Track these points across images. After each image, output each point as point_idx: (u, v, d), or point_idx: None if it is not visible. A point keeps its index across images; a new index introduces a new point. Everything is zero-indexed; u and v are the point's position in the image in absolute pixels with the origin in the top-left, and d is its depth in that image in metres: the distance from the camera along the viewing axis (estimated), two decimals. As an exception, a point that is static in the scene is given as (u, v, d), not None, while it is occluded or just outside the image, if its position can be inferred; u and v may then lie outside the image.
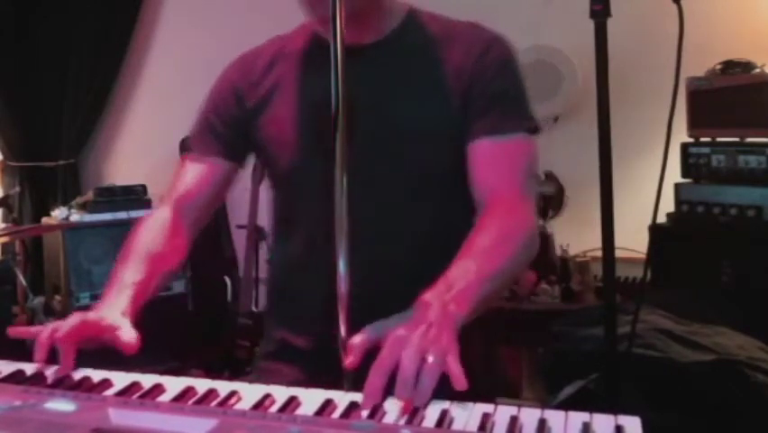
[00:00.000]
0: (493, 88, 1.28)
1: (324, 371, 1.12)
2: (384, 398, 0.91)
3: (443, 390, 0.91)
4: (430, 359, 0.91)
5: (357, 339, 0.99)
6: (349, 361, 0.97)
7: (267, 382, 1.02)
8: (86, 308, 1.20)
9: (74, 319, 1.11)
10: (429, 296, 1.03)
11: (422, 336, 0.94)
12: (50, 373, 1.05)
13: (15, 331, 1.13)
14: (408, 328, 0.96)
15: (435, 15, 1.36)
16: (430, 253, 1.29)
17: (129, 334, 1.10)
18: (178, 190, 1.41)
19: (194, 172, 1.41)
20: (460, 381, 0.90)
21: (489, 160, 1.27)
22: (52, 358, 1.09)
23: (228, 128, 1.40)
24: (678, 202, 2.97)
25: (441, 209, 1.31)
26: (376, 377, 0.92)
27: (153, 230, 1.36)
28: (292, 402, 0.93)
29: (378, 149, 1.27)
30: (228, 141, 1.40)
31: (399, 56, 1.31)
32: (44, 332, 1.08)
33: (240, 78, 1.40)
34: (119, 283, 1.23)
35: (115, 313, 1.16)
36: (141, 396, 0.96)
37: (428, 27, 1.33)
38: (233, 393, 0.96)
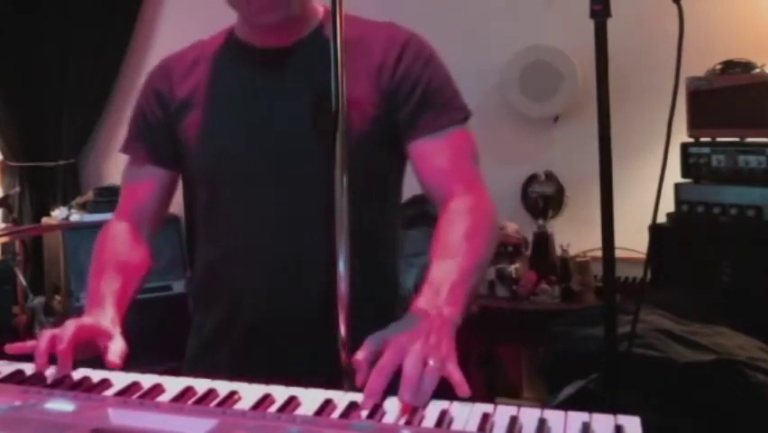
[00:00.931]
0: (418, 89, 1.29)
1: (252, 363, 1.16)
2: (384, 398, 0.91)
3: (444, 394, 0.92)
4: (431, 363, 0.93)
5: (361, 355, 0.99)
6: (360, 380, 0.97)
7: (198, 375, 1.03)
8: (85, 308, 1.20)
9: (71, 327, 1.10)
10: (422, 303, 1.05)
11: (423, 343, 0.96)
12: (50, 373, 1.05)
13: (13, 348, 1.12)
14: (410, 336, 0.98)
15: (352, 17, 1.34)
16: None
17: (116, 351, 1.10)
18: (126, 201, 1.44)
19: (136, 181, 1.43)
20: (462, 387, 0.91)
21: (435, 158, 1.29)
22: (52, 359, 1.09)
23: (155, 133, 1.41)
24: (678, 202, 2.97)
25: (364, 211, 1.28)
26: (377, 379, 0.93)
27: (119, 242, 1.38)
28: (292, 402, 0.93)
29: (295, 149, 1.29)
30: (157, 146, 1.40)
31: (315, 58, 1.29)
32: (42, 342, 1.08)
33: (161, 82, 1.41)
34: (100, 294, 1.24)
35: (107, 321, 1.17)
36: (141, 396, 0.96)
37: (346, 28, 1.34)
38: (232, 393, 0.96)
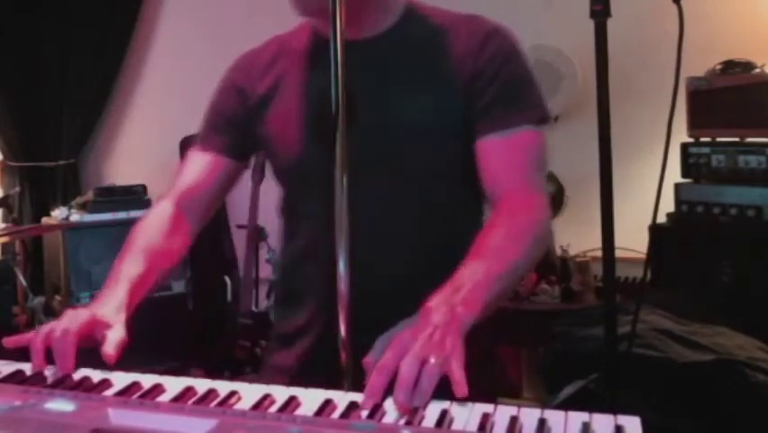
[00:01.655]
0: (496, 83, 1.26)
1: (325, 361, 1.13)
2: (384, 398, 0.91)
3: (444, 394, 0.92)
4: (432, 360, 0.91)
5: (370, 358, 0.99)
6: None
7: (271, 377, 1.02)
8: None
9: (67, 320, 1.10)
10: (437, 299, 1.03)
11: (425, 340, 0.94)
12: (50, 373, 1.05)
13: (10, 341, 1.12)
14: (413, 332, 0.97)
15: (434, 8, 1.35)
16: (431, 250, 1.29)
17: (112, 341, 1.08)
18: (181, 185, 1.40)
19: (198, 168, 1.40)
20: (461, 387, 0.90)
21: (497, 157, 1.25)
22: (51, 359, 1.08)
23: (232, 126, 1.40)
24: (678, 202, 2.97)
25: (442, 205, 1.31)
26: (377, 377, 0.92)
27: (155, 225, 1.35)
28: (292, 402, 0.92)
29: (378, 145, 1.27)
30: (232, 138, 1.40)
31: (399, 50, 1.30)
32: (38, 337, 1.07)
33: (241, 77, 1.40)
34: (118, 277, 1.22)
35: (110, 309, 1.15)
36: (141, 396, 0.96)
37: (427, 20, 1.33)
38: (232, 393, 0.96)
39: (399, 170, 1.28)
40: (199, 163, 1.41)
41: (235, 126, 1.39)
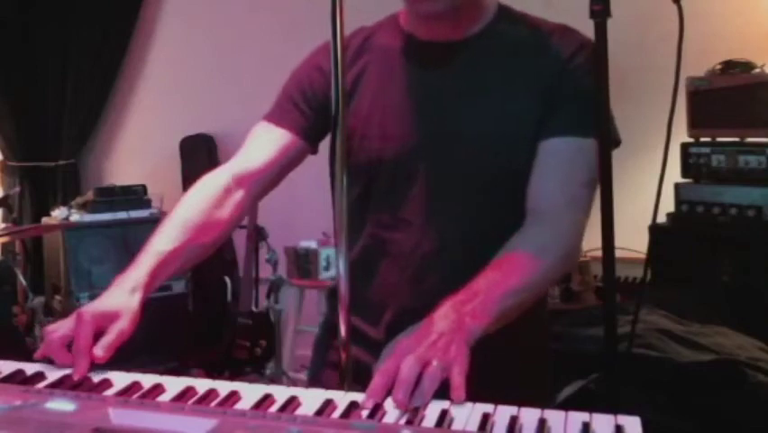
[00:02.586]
0: (577, 90, 1.24)
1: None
2: (384, 398, 0.91)
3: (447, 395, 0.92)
4: (434, 363, 0.92)
5: (379, 364, 0.98)
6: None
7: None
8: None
9: (71, 321, 1.09)
10: (446, 307, 1.03)
11: (429, 345, 0.95)
12: (50, 373, 1.05)
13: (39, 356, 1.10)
14: (417, 338, 0.97)
15: (525, 14, 1.33)
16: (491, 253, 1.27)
17: (104, 344, 1.07)
18: (243, 157, 1.35)
19: (265, 142, 1.35)
20: (458, 391, 0.90)
21: (549, 163, 1.23)
22: (49, 359, 1.09)
23: (309, 107, 1.35)
24: (678, 202, 2.97)
25: (506, 211, 1.27)
26: (379, 379, 0.93)
27: (200, 197, 1.30)
28: (292, 402, 0.93)
29: (460, 146, 1.25)
30: (307, 118, 1.35)
31: (487, 54, 1.28)
32: (55, 347, 1.07)
33: (328, 64, 1.32)
34: (147, 251, 1.20)
35: (125, 291, 1.14)
36: (141, 396, 0.96)
37: (518, 26, 1.31)
38: (233, 393, 0.96)
39: (478, 173, 1.26)
40: (269, 137, 1.35)
41: (312, 108, 1.35)
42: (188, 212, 1.28)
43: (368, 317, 1.32)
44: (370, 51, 1.34)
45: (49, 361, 1.08)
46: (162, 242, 1.22)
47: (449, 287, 1.08)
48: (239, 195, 1.34)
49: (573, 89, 1.24)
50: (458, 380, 0.91)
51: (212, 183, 1.32)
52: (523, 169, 1.26)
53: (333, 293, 1.42)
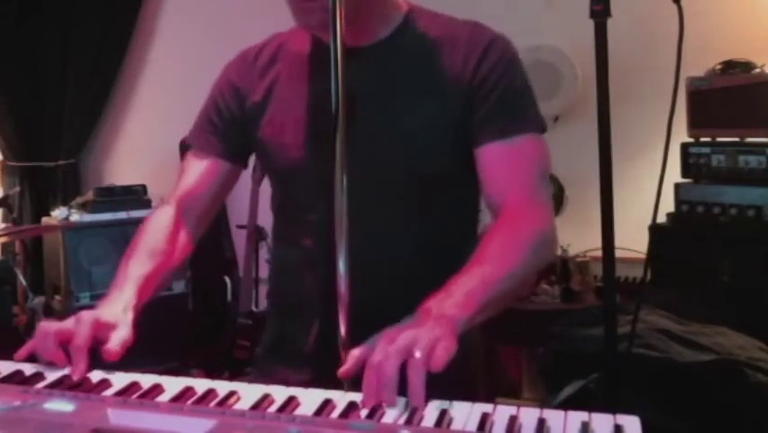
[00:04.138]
0: (497, 91, 1.25)
1: (323, 371, 1.12)
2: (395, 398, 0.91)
3: (446, 394, 0.92)
4: (417, 354, 0.91)
5: (356, 351, 0.98)
6: (343, 370, 0.97)
7: (266, 381, 1.02)
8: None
9: (71, 323, 1.09)
10: (429, 303, 1.03)
11: (410, 336, 0.94)
12: (50, 373, 1.05)
13: (21, 355, 1.11)
14: (402, 329, 0.97)
15: (435, 15, 1.34)
16: (429, 254, 1.29)
17: (117, 339, 1.08)
18: (180, 188, 1.41)
19: (196, 171, 1.40)
20: (438, 361, 0.90)
21: (498, 165, 1.25)
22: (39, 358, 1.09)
23: (229, 127, 1.39)
24: (678, 202, 2.97)
25: (439, 211, 1.30)
26: (371, 376, 0.92)
27: (157, 227, 1.35)
28: (291, 402, 0.93)
29: (375, 151, 1.26)
30: (229, 140, 1.39)
31: (397, 57, 1.29)
32: (50, 344, 1.07)
33: (239, 76, 1.39)
34: (125, 277, 1.22)
35: (118, 309, 1.15)
36: (141, 396, 0.96)
37: (427, 28, 1.32)
38: (232, 393, 0.96)
39: (395, 177, 1.27)
40: (197, 165, 1.40)
41: (231, 127, 1.38)
42: (153, 240, 1.33)
43: (297, 328, 1.35)
44: (283, 59, 1.36)
45: (35, 359, 1.08)
46: (138, 268, 1.25)
47: (378, 294, 1.10)
48: (186, 224, 1.39)
49: (495, 90, 1.25)
50: (440, 352, 0.91)
51: (162, 216, 1.38)
52: (445, 171, 1.27)
53: (273, 298, 1.46)
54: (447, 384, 0.91)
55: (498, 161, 1.25)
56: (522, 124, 1.26)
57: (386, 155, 1.27)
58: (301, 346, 1.35)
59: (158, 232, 1.34)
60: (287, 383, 1.00)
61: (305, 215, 1.34)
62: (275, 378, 1.33)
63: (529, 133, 1.26)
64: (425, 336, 0.93)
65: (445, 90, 1.26)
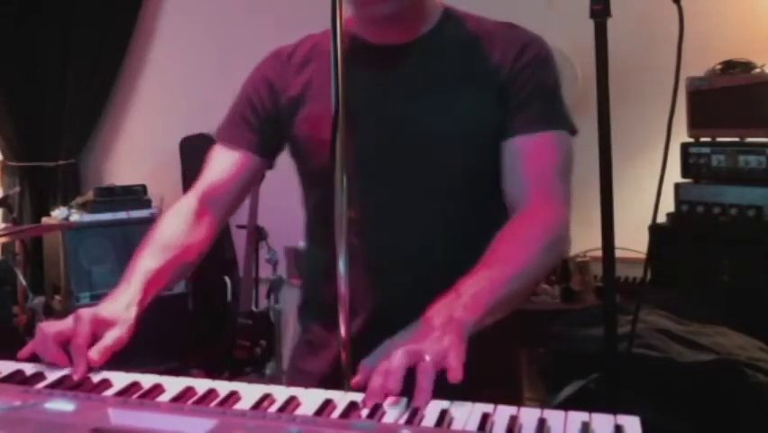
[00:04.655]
0: (529, 87, 1.26)
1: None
2: (384, 398, 0.91)
3: (445, 393, 0.92)
4: (426, 358, 0.92)
5: (367, 361, 0.99)
6: (354, 381, 0.97)
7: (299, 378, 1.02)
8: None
9: (83, 331, 1.08)
10: (437, 306, 1.04)
11: (421, 341, 0.95)
12: (51, 372, 1.05)
13: (23, 356, 1.10)
14: (411, 335, 0.98)
15: (471, 15, 1.35)
16: (460, 252, 1.28)
17: (101, 346, 1.07)
18: (205, 181, 1.38)
19: (223, 164, 1.38)
20: (455, 372, 0.91)
21: (517, 162, 1.25)
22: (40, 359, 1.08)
23: (261, 122, 1.37)
24: (678, 202, 2.97)
25: (472, 208, 1.29)
26: (378, 378, 0.92)
27: (176, 219, 1.34)
28: (292, 402, 0.93)
29: (410, 148, 1.26)
30: (261, 135, 1.37)
31: (438, 53, 1.29)
32: (50, 345, 1.07)
33: (274, 73, 1.37)
34: (134, 271, 1.22)
35: (120, 305, 1.15)
36: (141, 396, 0.96)
37: (464, 27, 1.32)
38: (232, 393, 0.96)
39: (436, 172, 1.27)
40: (225, 160, 1.38)
41: (264, 122, 1.37)
42: (168, 234, 1.31)
43: (336, 326, 1.34)
44: (318, 58, 1.34)
45: (36, 359, 1.08)
46: (149, 261, 1.24)
47: (415, 290, 1.10)
48: (207, 218, 1.37)
49: (527, 86, 1.26)
50: (455, 362, 0.92)
51: (183, 207, 1.36)
52: (483, 167, 1.27)
53: (308, 301, 1.45)
54: (492, 384, 0.92)
55: (516, 158, 1.25)
56: (550, 122, 1.26)
57: (426, 152, 1.26)
58: (339, 345, 1.34)
59: (176, 224, 1.33)
60: (323, 383, 1.01)
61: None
62: (309, 376, 1.34)
63: (556, 131, 1.26)
64: (434, 347, 0.94)
65: (484, 85, 1.27)
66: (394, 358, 0.92)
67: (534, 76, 1.27)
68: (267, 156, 1.40)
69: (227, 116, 1.42)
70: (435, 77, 1.29)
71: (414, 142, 1.26)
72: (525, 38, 1.30)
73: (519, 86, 1.26)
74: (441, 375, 0.92)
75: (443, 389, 0.91)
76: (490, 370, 1.25)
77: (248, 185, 1.41)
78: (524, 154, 1.25)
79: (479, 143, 1.26)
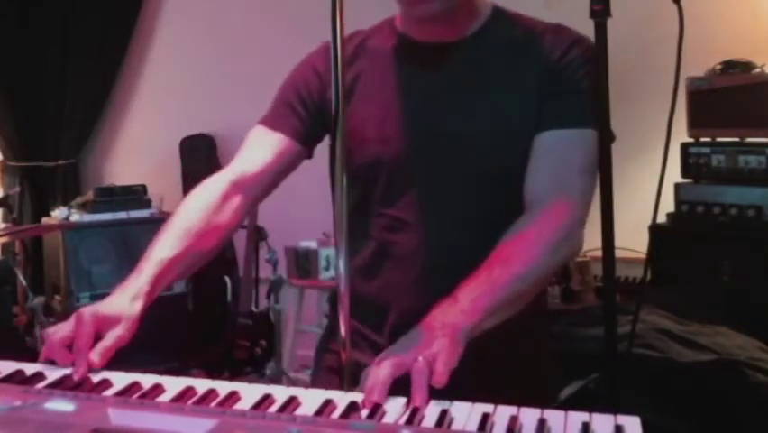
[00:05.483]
0: (569, 84, 1.25)
1: None
2: (385, 398, 0.92)
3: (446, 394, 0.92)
4: (419, 359, 0.94)
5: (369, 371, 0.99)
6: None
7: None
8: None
9: (84, 333, 1.08)
10: (434, 312, 1.04)
11: (414, 347, 0.97)
12: (51, 372, 1.05)
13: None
14: (407, 342, 1.00)
15: (519, 15, 1.35)
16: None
17: (100, 348, 1.07)
18: (242, 160, 1.36)
19: (261, 147, 1.36)
20: (439, 377, 0.93)
21: (545, 154, 1.24)
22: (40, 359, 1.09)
23: (307, 111, 1.36)
24: (678, 202, 2.97)
25: (513, 208, 1.27)
26: (374, 386, 0.94)
27: (199, 204, 1.31)
28: (292, 402, 0.93)
29: (452, 148, 1.26)
30: (303, 122, 1.36)
31: (481, 55, 1.29)
32: (56, 348, 1.07)
33: (324, 65, 1.35)
34: (147, 259, 1.20)
35: (124, 300, 1.14)
36: (141, 396, 0.96)
37: (512, 26, 1.32)
38: (232, 393, 0.96)
39: (480, 170, 1.26)
40: (265, 142, 1.36)
41: (309, 111, 1.35)
42: (188, 219, 1.28)
43: (372, 321, 1.33)
44: (365, 55, 1.35)
45: (52, 363, 1.08)
46: (163, 250, 1.22)
47: (453, 287, 1.09)
48: (237, 201, 1.33)
49: (565, 82, 1.25)
50: (441, 368, 0.93)
51: (210, 189, 1.32)
52: (525, 167, 1.26)
53: (335, 296, 1.42)
54: (523, 384, 0.92)
55: (545, 150, 1.24)
56: (583, 117, 1.24)
57: (469, 151, 1.26)
58: (375, 340, 1.32)
59: (198, 209, 1.30)
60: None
61: (384, 209, 1.31)
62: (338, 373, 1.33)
63: (588, 128, 1.23)
64: (425, 352, 0.96)
65: (527, 88, 1.26)
66: (381, 371, 0.94)
67: (576, 73, 1.26)
68: (308, 145, 1.37)
69: (272, 104, 1.39)
70: (480, 76, 1.28)
71: (456, 141, 1.26)
72: (574, 36, 1.29)
73: (560, 81, 1.25)
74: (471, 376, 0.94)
75: (471, 388, 0.92)
76: (519, 370, 1.26)
77: (285, 171, 1.38)
78: (550, 149, 1.24)
79: (522, 143, 1.25)
